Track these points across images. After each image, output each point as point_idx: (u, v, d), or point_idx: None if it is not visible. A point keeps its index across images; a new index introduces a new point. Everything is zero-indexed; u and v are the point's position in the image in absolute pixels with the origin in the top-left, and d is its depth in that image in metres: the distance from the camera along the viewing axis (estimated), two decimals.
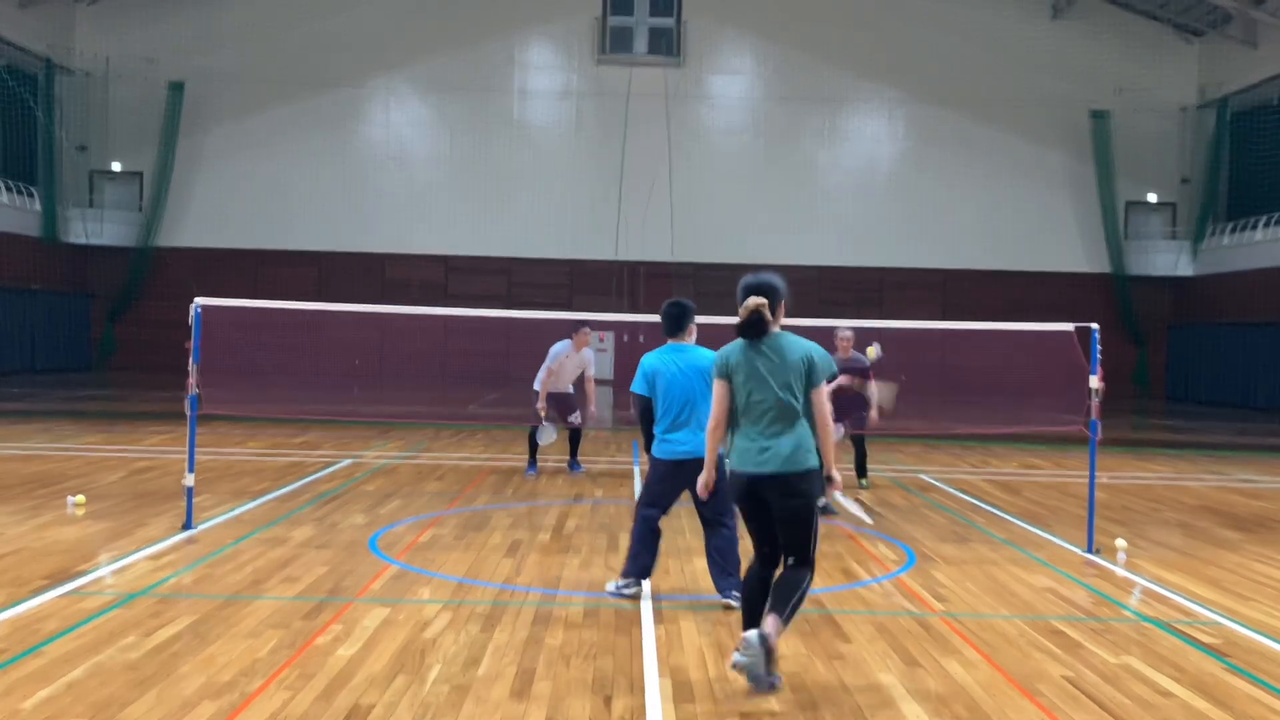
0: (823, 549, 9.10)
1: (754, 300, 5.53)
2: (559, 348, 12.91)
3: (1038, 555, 9.11)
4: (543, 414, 12.79)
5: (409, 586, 7.48)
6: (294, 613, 6.68)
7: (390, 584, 7.55)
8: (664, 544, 8.87)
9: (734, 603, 6.98)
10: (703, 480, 5.87)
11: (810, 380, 5.51)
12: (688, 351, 7.19)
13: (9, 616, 6.42)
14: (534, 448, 13.09)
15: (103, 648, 5.86)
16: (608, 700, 5.33)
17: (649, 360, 7.24)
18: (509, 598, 7.24)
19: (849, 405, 12.27)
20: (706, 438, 5.74)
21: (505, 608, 6.98)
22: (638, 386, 7.24)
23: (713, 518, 7.14)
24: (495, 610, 6.90)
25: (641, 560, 7.25)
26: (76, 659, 5.66)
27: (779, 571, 5.58)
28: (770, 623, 5.35)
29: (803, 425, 5.49)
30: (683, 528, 9.31)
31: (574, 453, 13.45)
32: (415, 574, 7.84)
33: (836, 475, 5.58)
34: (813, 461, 5.48)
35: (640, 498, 7.43)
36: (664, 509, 7.30)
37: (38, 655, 5.71)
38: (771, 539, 5.60)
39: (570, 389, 13.16)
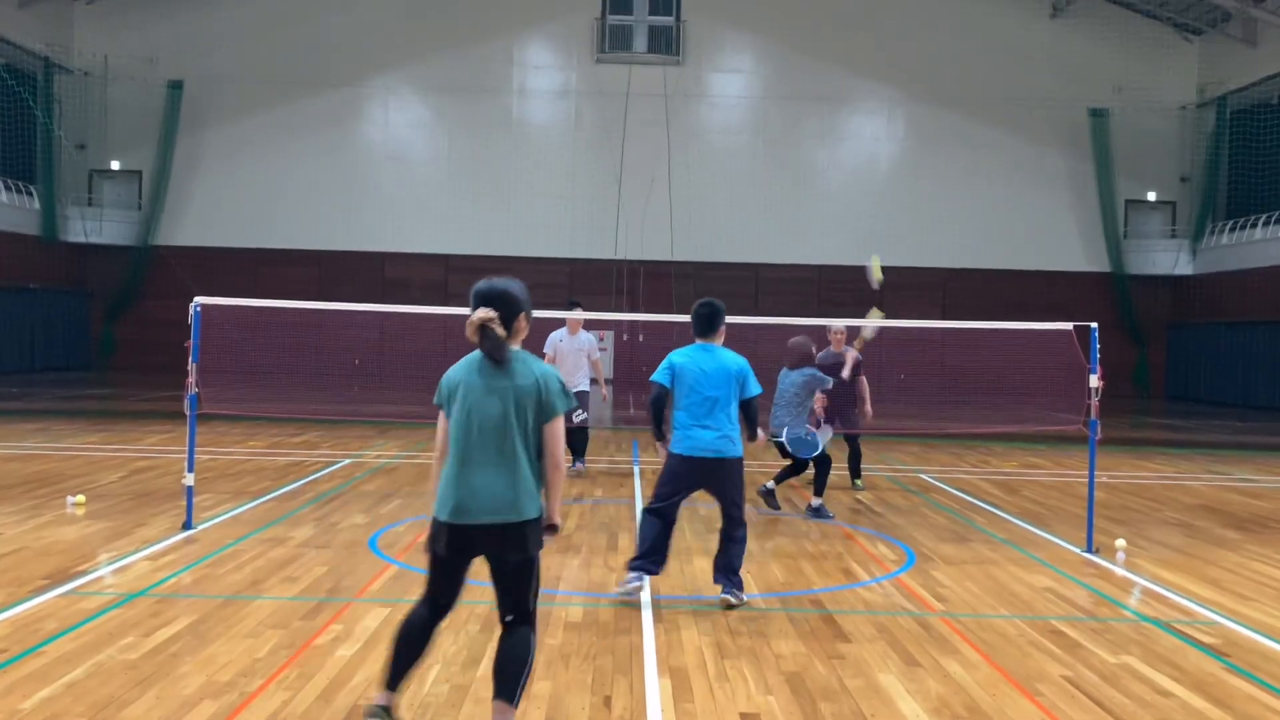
0: (822, 548, 9.13)
1: (482, 314, 4.49)
2: (554, 335, 12.60)
3: (1037, 555, 9.11)
4: None
5: (409, 586, 7.47)
6: (294, 613, 6.68)
7: (390, 584, 7.54)
8: None
9: (733, 599, 7.05)
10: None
11: (544, 412, 4.53)
12: (716, 353, 7.25)
13: (9, 616, 6.42)
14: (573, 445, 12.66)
15: (102, 647, 5.86)
16: (607, 700, 5.33)
17: (675, 355, 7.30)
18: None
19: (838, 403, 12.22)
20: (433, 467, 4.73)
21: None
22: (659, 376, 7.27)
23: (732, 516, 7.25)
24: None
25: (650, 556, 7.22)
26: (76, 659, 5.66)
27: (500, 637, 4.72)
28: (497, 711, 4.52)
29: (526, 464, 4.54)
30: (683, 528, 9.30)
31: (580, 451, 12.92)
32: (415, 574, 7.82)
33: (559, 521, 4.74)
34: (533, 510, 4.58)
35: (652, 495, 7.42)
36: (672, 504, 7.29)
37: (37, 655, 5.71)
38: (453, 592, 4.73)
39: (586, 385, 12.63)
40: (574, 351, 12.64)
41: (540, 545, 4.63)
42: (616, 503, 11.25)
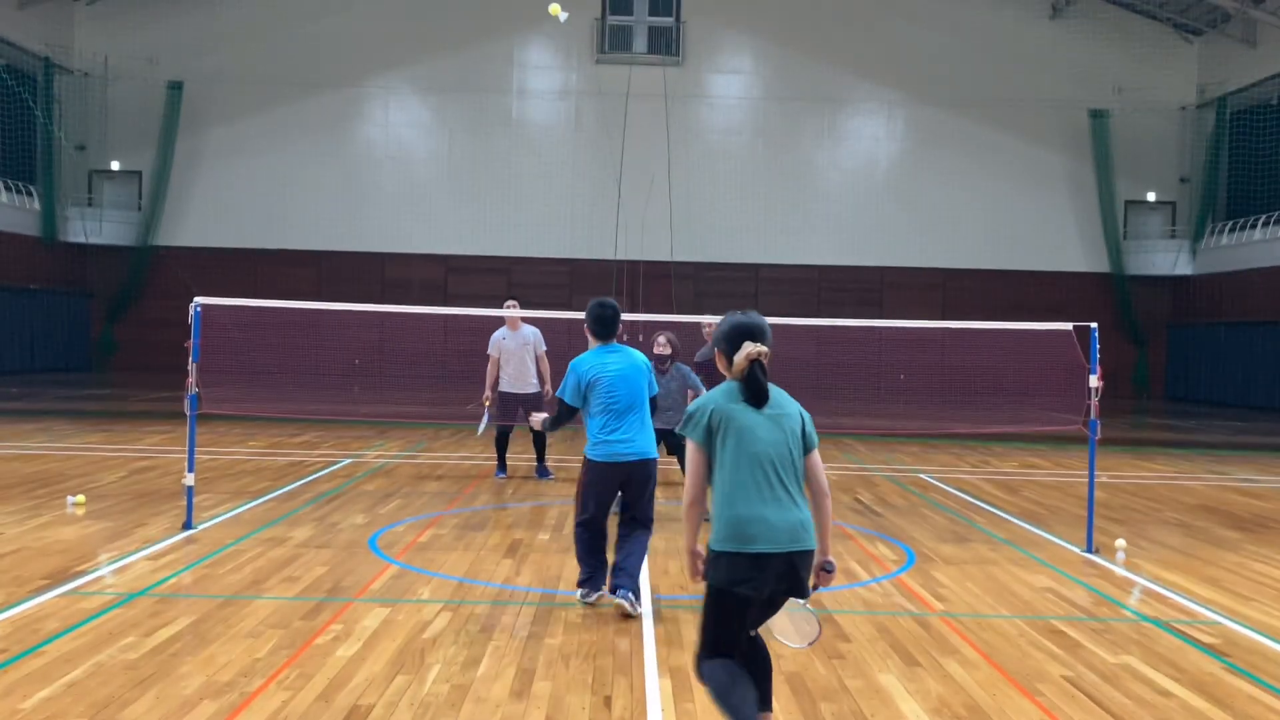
0: None
1: (757, 349, 4.43)
2: (496, 335, 12.43)
3: (1037, 555, 9.11)
4: (486, 404, 12.32)
5: (409, 586, 7.48)
6: (294, 613, 6.68)
7: (390, 584, 7.54)
8: (663, 544, 8.88)
9: (631, 610, 6.75)
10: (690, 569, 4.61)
11: (808, 442, 4.55)
12: (623, 351, 7.11)
13: (9, 616, 6.42)
14: (502, 450, 12.67)
15: (103, 647, 5.86)
16: (607, 700, 5.33)
17: (580, 364, 7.02)
18: (509, 597, 7.24)
19: None
20: (684, 513, 4.57)
21: (505, 607, 6.98)
22: (568, 395, 7.04)
23: (644, 520, 7.10)
24: (495, 610, 6.91)
25: (596, 570, 7.07)
26: (76, 659, 5.66)
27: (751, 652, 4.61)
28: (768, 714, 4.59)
29: (803, 494, 4.54)
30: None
31: (540, 457, 12.65)
32: (415, 574, 7.84)
33: (833, 559, 4.61)
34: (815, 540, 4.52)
35: (577, 509, 7.17)
36: (604, 513, 7.11)
37: (38, 655, 5.71)
38: (744, 636, 4.56)
39: (534, 386, 12.35)
40: (520, 348, 12.37)
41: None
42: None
